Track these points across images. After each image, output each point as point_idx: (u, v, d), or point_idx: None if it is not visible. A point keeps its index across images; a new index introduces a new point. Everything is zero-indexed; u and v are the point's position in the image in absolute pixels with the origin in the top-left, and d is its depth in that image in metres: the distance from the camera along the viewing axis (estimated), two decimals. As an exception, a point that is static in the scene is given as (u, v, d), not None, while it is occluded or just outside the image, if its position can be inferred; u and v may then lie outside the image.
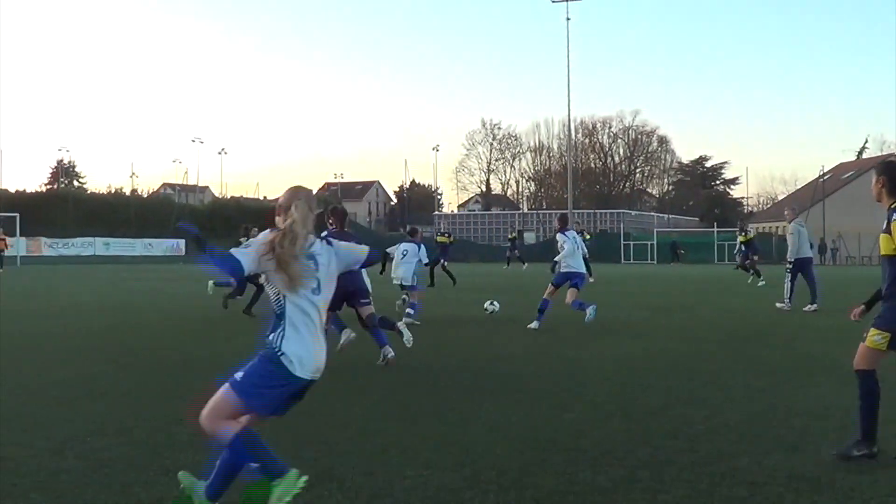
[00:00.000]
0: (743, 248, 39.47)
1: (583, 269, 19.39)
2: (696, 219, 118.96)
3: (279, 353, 5.92)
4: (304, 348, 5.94)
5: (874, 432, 7.57)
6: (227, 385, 6.14)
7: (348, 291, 13.11)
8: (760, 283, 34.96)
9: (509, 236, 67.28)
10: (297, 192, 6.21)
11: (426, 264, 21.81)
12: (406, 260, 20.93)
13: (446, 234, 34.66)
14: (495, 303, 21.79)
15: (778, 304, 23.45)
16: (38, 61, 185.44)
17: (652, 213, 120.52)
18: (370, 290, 13.86)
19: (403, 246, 21.32)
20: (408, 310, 19.92)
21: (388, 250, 21.13)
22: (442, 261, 34.71)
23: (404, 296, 21.26)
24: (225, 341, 15.51)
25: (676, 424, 8.93)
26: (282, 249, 5.89)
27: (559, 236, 19.54)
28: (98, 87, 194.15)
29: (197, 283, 34.20)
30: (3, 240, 53.97)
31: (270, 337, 6.01)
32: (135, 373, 11.78)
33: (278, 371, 5.93)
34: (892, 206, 7.64)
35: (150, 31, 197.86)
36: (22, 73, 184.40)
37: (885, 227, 7.69)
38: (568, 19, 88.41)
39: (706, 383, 11.61)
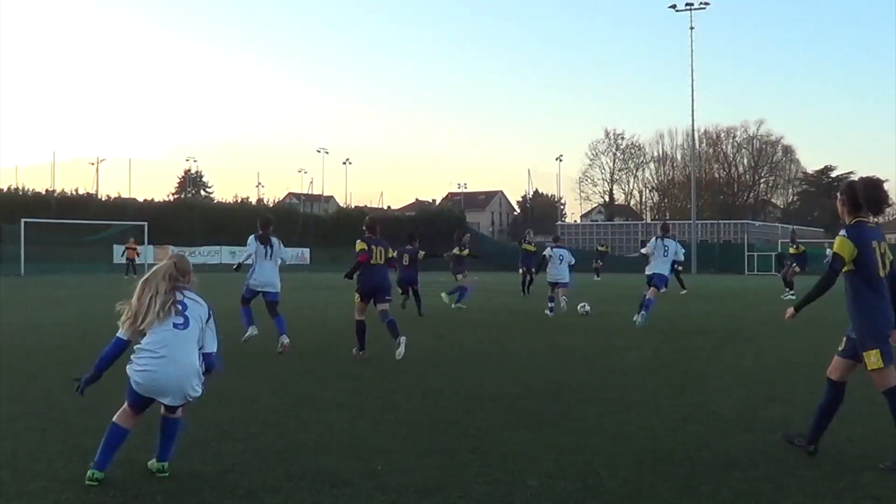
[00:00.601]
0: (791, 261, 37.96)
1: (655, 271, 21.96)
2: (821, 230, 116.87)
3: (128, 371, 7.14)
4: (147, 376, 7.05)
5: None
6: None
7: (378, 287, 15.33)
8: (789, 296, 34.14)
9: (599, 248, 67.42)
10: (168, 257, 7.80)
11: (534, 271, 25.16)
12: (560, 262, 25.68)
13: (531, 244, 35.46)
14: (587, 305, 25.29)
15: None
16: (167, 74, 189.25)
17: (776, 224, 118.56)
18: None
19: (557, 252, 26.14)
20: (563, 305, 25.05)
21: (543, 254, 27.01)
22: (531, 268, 35.28)
23: (564, 297, 25.71)
24: (345, 349, 15.66)
25: (800, 438, 8.88)
26: (147, 294, 7.29)
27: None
28: (225, 98, 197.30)
29: (327, 291, 34.57)
30: (135, 249, 55.28)
31: (132, 356, 7.22)
32: (258, 380, 11.97)
33: (130, 386, 7.14)
34: (849, 224, 7.99)
35: (276, 43, 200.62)
36: (151, 85, 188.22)
37: None
38: (692, 28, 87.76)
39: (830, 397, 11.47)
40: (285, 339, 15.83)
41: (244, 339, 16.30)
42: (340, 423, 9.57)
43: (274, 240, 16.94)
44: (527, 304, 29.17)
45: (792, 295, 33.97)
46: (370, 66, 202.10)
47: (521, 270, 35.42)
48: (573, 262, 26.72)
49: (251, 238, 17.08)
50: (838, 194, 8.28)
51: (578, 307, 25.09)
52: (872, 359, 7.81)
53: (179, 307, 7.29)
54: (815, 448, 8.12)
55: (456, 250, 29.68)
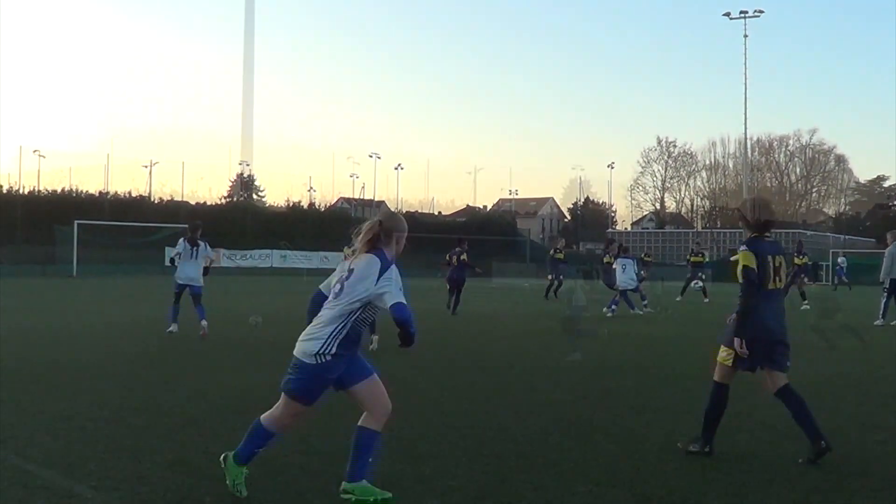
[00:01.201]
0: (796, 270, 37.11)
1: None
2: (873, 240, 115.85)
3: None
4: None
5: (712, 436, 8.52)
6: None
7: None
8: (804, 307, 33.67)
9: (644, 258, 66.87)
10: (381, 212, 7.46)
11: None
12: (627, 271, 28.18)
13: (561, 252, 36.84)
14: (614, 308, 27.60)
15: (876, 323, 23.91)
16: (218, 79, 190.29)
17: (828, 234, 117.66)
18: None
19: (621, 261, 28.71)
20: (639, 306, 27.88)
21: (613, 266, 29.19)
22: (560, 275, 37.29)
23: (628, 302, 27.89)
24: (394, 354, 15.70)
25: (849, 448, 8.79)
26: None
27: None
28: (277, 103, 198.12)
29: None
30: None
31: None
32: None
33: None
34: (749, 238, 8.54)
35: (330, 49, 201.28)
36: (203, 90, 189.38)
37: None
38: (745, 36, 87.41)
39: (880, 407, 11.40)
40: (204, 324, 18.04)
41: (167, 332, 18.39)
42: (389, 428, 9.57)
43: (201, 243, 19.09)
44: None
45: (807, 305, 33.92)
46: (424, 73, 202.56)
47: (548, 277, 37.41)
48: (638, 270, 29.65)
49: (181, 240, 19.29)
50: (739, 211, 8.93)
51: (604, 309, 27.32)
52: (723, 354, 8.49)
53: (346, 273, 6.88)
54: (827, 445, 8.12)
55: (606, 258, 32.36)
